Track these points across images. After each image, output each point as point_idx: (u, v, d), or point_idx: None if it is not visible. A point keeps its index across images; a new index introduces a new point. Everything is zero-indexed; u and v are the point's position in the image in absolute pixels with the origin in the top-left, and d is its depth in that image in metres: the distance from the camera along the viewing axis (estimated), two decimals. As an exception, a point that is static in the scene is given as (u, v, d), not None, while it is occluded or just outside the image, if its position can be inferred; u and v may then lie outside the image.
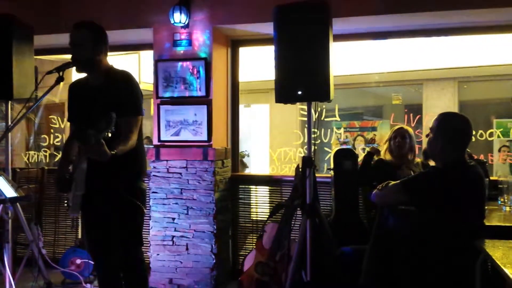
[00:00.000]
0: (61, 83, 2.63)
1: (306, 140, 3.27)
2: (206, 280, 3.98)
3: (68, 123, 2.99)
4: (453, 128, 2.47)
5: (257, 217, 4.39)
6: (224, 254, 4.21)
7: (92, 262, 2.98)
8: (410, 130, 3.69)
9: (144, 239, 2.90)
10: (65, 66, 2.65)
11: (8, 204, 3.24)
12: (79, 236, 4.48)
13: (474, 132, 4.60)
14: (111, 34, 4.07)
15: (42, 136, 5.81)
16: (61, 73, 2.62)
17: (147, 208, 3.90)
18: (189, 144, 4.03)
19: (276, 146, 5.72)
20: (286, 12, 3.08)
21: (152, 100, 4.22)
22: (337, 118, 5.17)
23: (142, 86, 5.24)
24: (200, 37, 4.02)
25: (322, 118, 5.06)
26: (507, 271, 1.79)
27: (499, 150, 5.38)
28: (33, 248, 3.45)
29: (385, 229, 2.57)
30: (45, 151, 5.73)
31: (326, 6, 3.00)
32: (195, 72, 4.00)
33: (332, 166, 3.88)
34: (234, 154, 4.47)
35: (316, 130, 3.38)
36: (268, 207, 4.31)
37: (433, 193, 2.39)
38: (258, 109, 7.10)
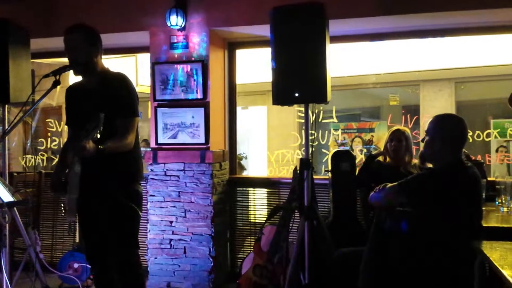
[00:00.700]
0: (58, 87, 2.63)
1: (303, 142, 3.26)
2: (204, 283, 3.97)
3: (66, 127, 2.98)
4: (449, 129, 2.47)
5: (255, 219, 4.38)
6: (222, 257, 4.21)
7: (89, 266, 2.98)
8: (407, 131, 3.66)
9: (141, 243, 2.90)
10: (62, 69, 2.65)
11: (5, 209, 3.23)
12: (77, 240, 4.46)
13: (471, 133, 4.63)
14: (108, 37, 4.10)
15: (39, 139, 5.79)
16: (57, 77, 2.62)
17: (145, 211, 3.89)
18: (187, 147, 4.02)
19: (273, 148, 5.73)
20: (283, 14, 3.08)
21: (149, 103, 4.21)
22: (335, 120, 5.17)
23: (139, 89, 5.28)
24: (197, 40, 4.02)
25: (319, 120, 5.06)
26: (504, 272, 1.78)
27: (497, 151, 5.39)
28: (30, 253, 3.43)
29: (382, 230, 2.57)
30: (42, 155, 5.72)
31: (322, 8, 3.00)
32: (192, 75, 4.00)
33: (329, 168, 3.88)
34: (232, 157, 4.47)
35: (313, 132, 3.38)
36: (266, 210, 4.31)
37: (430, 195, 2.39)
38: (255, 111, 7.10)
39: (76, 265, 4.09)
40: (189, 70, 4.00)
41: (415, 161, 3.65)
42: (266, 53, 3.27)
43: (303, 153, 3.25)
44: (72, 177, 2.54)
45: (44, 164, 5.69)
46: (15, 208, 3.34)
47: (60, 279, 4.11)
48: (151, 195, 4.07)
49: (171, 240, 4.04)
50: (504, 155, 5.26)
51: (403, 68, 6.02)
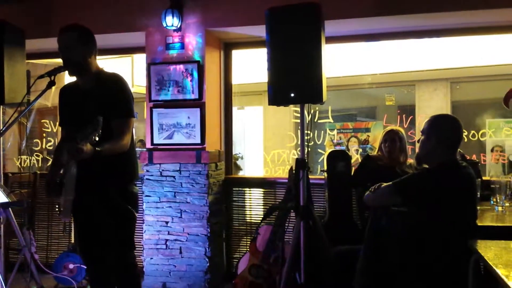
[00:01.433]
0: (53, 87, 2.62)
1: (299, 142, 3.27)
2: (200, 283, 3.97)
3: (60, 128, 2.98)
4: (444, 130, 2.49)
5: (251, 219, 4.39)
6: (218, 257, 4.21)
7: (85, 267, 2.98)
8: (401, 131, 3.67)
9: (137, 243, 2.89)
10: (57, 70, 2.63)
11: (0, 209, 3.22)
12: (72, 241, 4.45)
13: (466, 133, 4.65)
14: (104, 37, 4.11)
15: (35, 140, 5.78)
16: (52, 78, 2.61)
17: (140, 212, 3.89)
18: (182, 147, 4.02)
19: (269, 148, 5.74)
20: (278, 14, 3.08)
21: (145, 104, 4.21)
22: (330, 120, 5.19)
23: (135, 90, 5.27)
24: (193, 40, 4.01)
25: (315, 120, 5.07)
26: (499, 271, 1.79)
27: (492, 150, 5.41)
28: (25, 253, 3.43)
29: (378, 230, 2.58)
30: (38, 156, 5.70)
31: (318, 9, 3.00)
32: (188, 75, 4.00)
33: (325, 167, 3.89)
34: (228, 157, 4.47)
35: (309, 132, 3.38)
36: (262, 210, 4.31)
37: (425, 194, 2.41)
38: (251, 111, 7.10)
39: (71, 266, 4.08)
40: (185, 70, 4.00)
41: (411, 161, 3.66)
42: (262, 53, 3.27)
43: (299, 153, 3.26)
44: (68, 179, 2.53)
45: (39, 164, 5.67)
46: (10, 209, 3.34)
47: (55, 280, 4.10)
48: (146, 196, 4.06)
49: (166, 240, 4.04)
50: (499, 154, 5.29)
51: (399, 68, 6.04)
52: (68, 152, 2.43)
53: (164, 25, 3.90)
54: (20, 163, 5.72)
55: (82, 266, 3.99)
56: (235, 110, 4.59)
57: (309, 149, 3.28)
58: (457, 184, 2.42)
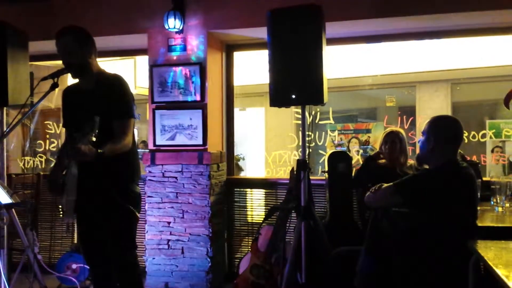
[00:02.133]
0: (56, 89, 2.64)
1: (300, 143, 3.29)
2: (202, 283, 3.99)
3: (64, 129, 3.00)
4: (445, 130, 2.50)
5: (252, 220, 4.41)
6: (219, 257, 4.23)
7: (88, 267, 2.99)
8: (401, 132, 3.68)
9: (139, 243, 2.91)
10: (60, 72, 2.65)
11: (3, 210, 3.24)
12: (75, 241, 4.47)
13: (466, 133, 4.66)
14: (107, 40, 4.14)
15: (38, 141, 5.80)
16: (55, 79, 2.62)
17: (142, 212, 3.90)
18: (185, 148, 4.04)
19: (271, 149, 5.74)
20: (280, 16, 3.10)
21: (147, 105, 4.23)
22: (331, 121, 5.20)
23: (137, 91, 5.29)
24: (195, 42, 4.04)
25: (316, 121, 5.09)
26: (499, 271, 1.80)
27: (492, 151, 5.43)
28: (28, 254, 3.44)
29: (379, 230, 2.60)
30: (41, 157, 5.73)
31: (319, 11, 3.03)
32: (190, 77, 4.02)
33: (326, 168, 3.90)
34: (230, 158, 4.49)
35: (310, 133, 3.40)
36: (264, 210, 4.33)
37: (426, 195, 2.42)
38: (253, 112, 7.12)
39: (74, 266, 4.11)
40: (187, 72, 4.02)
41: (412, 161, 3.68)
42: (263, 55, 3.29)
43: (300, 154, 3.28)
44: (69, 179, 2.55)
45: (43, 166, 5.69)
46: (13, 210, 3.35)
47: (58, 280, 4.12)
48: (149, 196, 4.08)
49: (169, 240, 4.06)
50: (500, 155, 5.30)
51: (400, 70, 6.06)
52: (67, 153, 2.45)
53: (166, 27, 3.92)
54: (24, 164, 5.74)
55: (85, 266, 4.01)
56: (236, 112, 4.60)
57: (310, 150, 3.30)
58: (458, 184, 2.44)
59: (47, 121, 5.79)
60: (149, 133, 4.16)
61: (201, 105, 4.02)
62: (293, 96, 3.06)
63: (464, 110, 6.76)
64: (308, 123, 3.30)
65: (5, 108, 3.50)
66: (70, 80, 3.02)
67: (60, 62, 2.73)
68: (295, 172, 3.29)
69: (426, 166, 2.69)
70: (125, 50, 4.70)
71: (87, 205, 2.68)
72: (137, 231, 2.88)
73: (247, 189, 4.43)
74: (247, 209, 4.44)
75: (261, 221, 3.92)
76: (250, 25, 3.91)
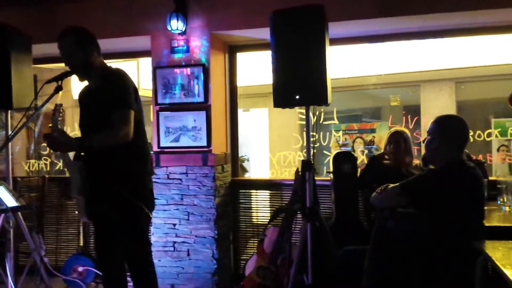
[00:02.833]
0: (60, 92, 2.64)
1: (305, 144, 3.28)
2: (208, 285, 3.99)
3: (69, 131, 3.01)
4: (450, 130, 2.49)
5: (257, 221, 4.40)
6: (225, 259, 4.22)
7: (94, 270, 2.99)
8: (406, 132, 3.66)
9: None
10: (64, 75, 2.66)
11: (9, 214, 3.25)
12: (81, 244, 4.48)
13: (472, 133, 4.63)
14: (109, 42, 4.14)
15: (42, 144, 5.81)
16: (60, 82, 2.63)
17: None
18: (189, 150, 4.04)
19: (275, 150, 5.73)
20: (283, 17, 3.09)
21: (151, 107, 4.23)
22: (336, 121, 5.18)
23: (141, 93, 5.25)
24: (198, 44, 4.04)
25: (320, 122, 5.07)
26: (507, 272, 1.79)
27: (498, 150, 5.39)
28: (35, 257, 3.45)
29: (385, 231, 2.58)
30: (46, 160, 5.74)
31: (322, 11, 3.02)
32: (193, 78, 4.02)
33: (331, 169, 3.89)
34: (234, 159, 4.48)
35: (315, 133, 3.39)
36: (269, 211, 4.32)
37: (432, 195, 2.41)
38: (257, 113, 7.11)
39: (80, 269, 4.11)
40: (190, 73, 4.02)
41: (417, 161, 3.66)
42: (266, 55, 3.29)
43: (305, 155, 3.27)
44: (72, 179, 2.58)
45: (48, 168, 5.71)
46: (19, 213, 3.36)
47: (64, 282, 4.13)
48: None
49: (174, 242, 4.06)
50: (506, 154, 5.26)
51: (404, 69, 6.03)
52: (47, 145, 2.50)
53: (169, 28, 3.92)
54: (29, 167, 5.76)
55: (91, 268, 4.02)
56: (240, 113, 4.60)
57: (315, 151, 3.29)
58: (464, 185, 2.42)
59: (52, 124, 5.80)
60: (153, 135, 4.16)
61: (205, 107, 4.02)
62: (297, 97, 3.05)
63: (469, 109, 6.72)
64: (312, 123, 3.29)
65: (9, 111, 3.51)
66: (73, 83, 3.03)
67: (62, 64, 2.74)
68: (300, 173, 3.29)
69: (432, 167, 2.68)
70: (128, 52, 4.71)
71: (97, 202, 2.68)
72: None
73: (252, 190, 4.43)
74: (252, 211, 4.43)
75: (266, 223, 3.91)
76: (253, 26, 3.91)
